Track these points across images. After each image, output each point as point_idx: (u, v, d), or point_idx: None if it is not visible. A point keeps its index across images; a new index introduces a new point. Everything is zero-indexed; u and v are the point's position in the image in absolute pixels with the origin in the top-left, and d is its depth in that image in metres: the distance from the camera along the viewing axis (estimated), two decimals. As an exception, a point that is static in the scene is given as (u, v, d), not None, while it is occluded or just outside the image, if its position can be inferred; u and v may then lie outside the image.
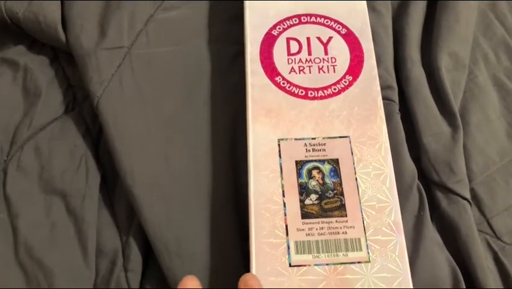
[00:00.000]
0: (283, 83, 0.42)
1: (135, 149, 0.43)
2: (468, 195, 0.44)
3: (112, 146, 0.43)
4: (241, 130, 0.44)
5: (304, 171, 0.39)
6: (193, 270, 0.39)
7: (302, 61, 0.44)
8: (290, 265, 0.35)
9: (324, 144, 0.40)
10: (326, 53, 0.44)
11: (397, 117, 0.46)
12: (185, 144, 0.44)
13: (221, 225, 0.41)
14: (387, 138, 0.41)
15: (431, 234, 0.42)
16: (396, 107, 0.47)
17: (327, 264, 0.36)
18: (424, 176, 0.45)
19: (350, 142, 0.40)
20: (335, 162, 0.39)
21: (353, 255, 0.36)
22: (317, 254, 0.36)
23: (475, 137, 0.48)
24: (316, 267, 0.35)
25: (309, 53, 0.44)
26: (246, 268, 0.38)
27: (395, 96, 0.48)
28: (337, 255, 0.36)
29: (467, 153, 0.47)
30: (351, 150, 0.40)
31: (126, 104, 0.45)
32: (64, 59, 0.51)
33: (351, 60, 0.44)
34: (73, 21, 0.48)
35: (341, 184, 0.38)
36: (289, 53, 0.44)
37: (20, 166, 0.45)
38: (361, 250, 0.36)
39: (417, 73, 0.49)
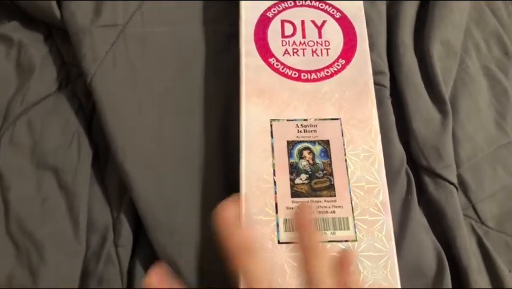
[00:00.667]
0: (277, 65, 0.43)
1: (127, 126, 0.43)
2: (455, 181, 0.44)
3: (105, 122, 0.43)
4: (234, 110, 0.44)
5: (295, 152, 0.39)
6: (183, 245, 0.40)
7: (296, 44, 0.44)
8: (279, 242, 0.36)
9: (316, 125, 0.40)
10: (320, 36, 0.44)
11: (388, 102, 0.47)
12: (177, 121, 0.44)
13: (212, 202, 0.41)
14: (377, 121, 0.41)
15: (418, 217, 0.42)
16: (387, 92, 0.48)
17: (315, 242, 0.36)
18: (412, 161, 0.46)
19: (341, 124, 0.40)
20: (325, 143, 0.40)
21: (340, 234, 0.37)
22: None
23: (464, 124, 0.48)
24: (304, 245, 0.36)
25: (304, 36, 0.44)
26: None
27: (386, 81, 0.48)
28: (325, 233, 0.37)
29: (456, 140, 0.47)
30: (342, 132, 0.40)
31: (119, 82, 0.45)
32: (59, 36, 0.51)
33: (344, 44, 0.44)
34: (68, -2, 0.48)
35: (331, 165, 0.39)
36: (283, 36, 0.44)
37: (13, 141, 0.45)
38: (348, 229, 0.37)
39: (409, 59, 0.50)
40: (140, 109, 0.44)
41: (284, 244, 0.36)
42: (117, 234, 0.41)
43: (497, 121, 0.50)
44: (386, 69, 0.49)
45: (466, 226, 0.44)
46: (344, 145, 0.40)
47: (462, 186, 0.46)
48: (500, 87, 0.52)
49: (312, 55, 0.43)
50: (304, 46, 0.44)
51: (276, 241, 0.36)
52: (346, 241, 0.36)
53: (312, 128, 0.40)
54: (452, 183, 0.44)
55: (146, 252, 0.41)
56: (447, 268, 0.40)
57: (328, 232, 0.37)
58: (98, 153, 0.45)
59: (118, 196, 0.43)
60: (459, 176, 0.46)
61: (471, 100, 0.50)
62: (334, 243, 0.36)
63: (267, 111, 0.41)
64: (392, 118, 0.46)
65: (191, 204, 0.41)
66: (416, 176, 0.45)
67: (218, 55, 0.48)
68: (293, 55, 0.43)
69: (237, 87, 0.45)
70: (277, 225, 0.37)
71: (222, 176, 0.42)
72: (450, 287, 0.40)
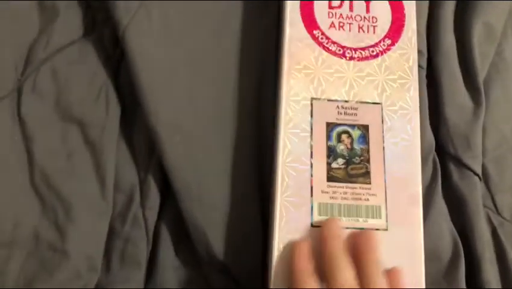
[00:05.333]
0: (321, 39, 0.41)
1: (160, 87, 0.41)
2: (480, 172, 0.45)
3: (138, 82, 0.41)
4: (268, 79, 0.43)
5: (334, 134, 0.39)
6: (211, 216, 0.40)
7: (342, 17, 0.42)
8: (312, 226, 0.36)
9: (357, 108, 0.40)
10: (367, 11, 0.42)
11: (424, 84, 0.46)
12: (211, 86, 0.43)
13: (243, 176, 0.41)
14: (418, 109, 0.41)
15: (440, 206, 0.43)
16: (424, 73, 0.47)
17: (347, 228, 0.37)
18: (439, 146, 0.46)
19: (382, 109, 0.40)
20: (365, 129, 0.39)
21: (372, 222, 0.37)
22: (339, 218, 0.37)
23: (493, 114, 0.48)
24: (336, 230, 0.37)
25: (351, 9, 0.42)
26: (264, 224, 0.39)
27: (424, 61, 0.47)
28: (357, 220, 0.37)
29: (483, 129, 0.47)
30: (382, 118, 0.40)
31: (153, 37, 0.42)
32: (84, -24, 0.47)
33: (392, 23, 0.42)
34: None
35: (368, 151, 0.39)
36: (330, 6, 0.42)
37: (36, 88, 0.43)
38: (380, 217, 0.37)
39: (449, 39, 0.48)
40: (173, 70, 0.42)
41: (317, 228, 0.36)
42: (144, 196, 0.41)
43: (525, 112, 0.50)
44: (424, 48, 0.47)
45: (483, 215, 0.45)
46: (383, 132, 0.39)
47: (484, 176, 0.46)
48: (533, 76, 0.51)
49: (359, 31, 0.42)
50: (351, 20, 0.42)
51: (309, 224, 0.37)
52: (377, 229, 0.37)
53: (352, 111, 0.39)
54: (477, 174, 0.44)
55: (172, 216, 0.41)
56: (463, 256, 0.42)
57: (360, 219, 0.37)
58: (125, 109, 0.44)
59: (146, 157, 0.42)
60: (482, 166, 0.46)
61: (503, 89, 0.50)
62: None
63: (308, 88, 0.40)
64: (426, 103, 0.45)
65: (221, 175, 0.41)
66: (441, 161, 0.45)
67: (256, 16, 0.45)
68: (339, 29, 0.41)
69: (271, 54, 0.43)
70: (312, 208, 0.37)
71: (254, 149, 0.42)
72: (464, 274, 0.41)
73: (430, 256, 0.41)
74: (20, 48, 0.44)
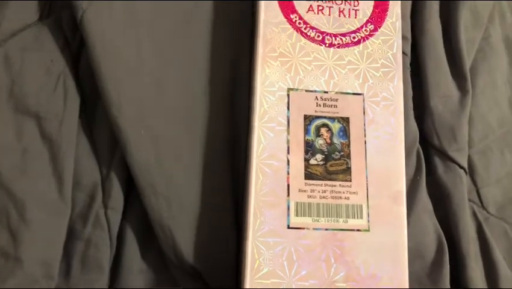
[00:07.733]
0: (299, 23, 0.38)
1: (123, 76, 0.38)
2: (465, 165, 0.43)
3: (98, 70, 0.37)
4: (242, 68, 0.40)
5: (312, 128, 0.36)
6: (179, 215, 0.37)
7: (321, -1, 0.39)
8: (288, 227, 0.34)
9: (337, 99, 0.37)
10: (349, -7, 0.39)
11: (408, 72, 0.43)
12: (179, 76, 0.39)
13: (214, 173, 0.38)
14: (402, 100, 0.38)
15: (424, 201, 0.41)
16: (408, 60, 0.44)
17: (326, 229, 0.34)
18: (424, 138, 0.44)
19: (363, 100, 0.37)
20: (345, 121, 0.36)
21: (353, 222, 0.35)
22: (317, 218, 0.34)
23: (479, 103, 0.46)
24: (315, 231, 0.34)
25: (331, -9, 0.39)
26: (237, 225, 0.36)
27: (408, 47, 0.44)
28: (337, 221, 0.34)
29: (469, 119, 0.45)
30: (363, 110, 0.37)
31: (116, 22, 0.39)
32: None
33: (375, 6, 0.39)
34: None
35: (349, 146, 0.36)
36: (308, -12, 0.39)
37: (-14, 77, 0.39)
38: (361, 217, 0.35)
39: (434, 24, 0.46)
40: (138, 57, 0.38)
41: (294, 230, 0.34)
42: (106, 194, 0.38)
43: (511, 101, 0.48)
44: (409, 34, 0.45)
45: (468, 210, 0.43)
46: (364, 125, 0.37)
47: (470, 169, 0.44)
48: (520, 63, 0.49)
49: (339, 15, 0.39)
50: (331, 4, 0.39)
51: (286, 226, 0.34)
52: (358, 230, 0.35)
53: (332, 103, 0.37)
54: (463, 168, 0.42)
55: (137, 215, 0.38)
56: (447, 254, 0.40)
57: (340, 220, 0.35)
58: (85, 100, 0.40)
59: (108, 152, 0.39)
60: (468, 158, 0.44)
61: (489, 76, 0.47)
62: (346, 232, 0.34)
63: (285, 78, 0.36)
64: (410, 92, 0.43)
65: (190, 171, 0.38)
66: (425, 154, 0.43)
67: (227, 2, 0.42)
68: (318, 13, 0.38)
69: (246, 42, 0.40)
70: (288, 208, 0.34)
71: (227, 145, 0.39)
72: (448, 272, 0.39)
73: (414, 254, 0.39)
74: (-34, 33, 0.40)
